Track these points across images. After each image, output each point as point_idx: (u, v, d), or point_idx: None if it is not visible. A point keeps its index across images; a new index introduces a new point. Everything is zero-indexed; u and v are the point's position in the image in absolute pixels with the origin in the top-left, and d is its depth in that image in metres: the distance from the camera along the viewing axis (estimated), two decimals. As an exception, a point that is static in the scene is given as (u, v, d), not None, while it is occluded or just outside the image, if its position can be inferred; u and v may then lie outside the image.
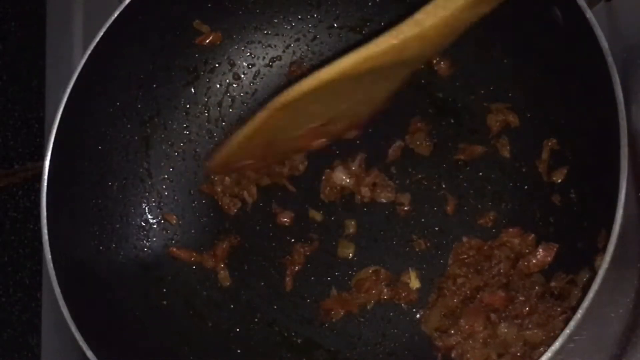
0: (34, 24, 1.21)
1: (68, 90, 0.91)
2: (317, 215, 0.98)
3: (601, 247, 0.75)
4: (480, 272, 0.87)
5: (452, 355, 0.86)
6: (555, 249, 0.85)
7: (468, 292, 0.87)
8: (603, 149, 0.79)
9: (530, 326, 0.81)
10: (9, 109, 1.21)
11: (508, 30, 0.92)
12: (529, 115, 0.92)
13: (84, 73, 0.92)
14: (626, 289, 0.88)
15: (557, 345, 0.73)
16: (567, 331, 0.73)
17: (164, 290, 0.97)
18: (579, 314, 0.73)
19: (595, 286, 0.73)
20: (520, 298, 0.83)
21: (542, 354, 0.78)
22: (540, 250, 0.86)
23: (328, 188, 0.97)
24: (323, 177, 0.98)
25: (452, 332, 0.86)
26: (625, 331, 0.87)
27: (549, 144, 0.90)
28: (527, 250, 0.87)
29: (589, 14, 0.79)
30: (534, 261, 0.86)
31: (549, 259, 0.86)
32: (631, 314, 0.87)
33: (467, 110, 0.97)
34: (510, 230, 0.89)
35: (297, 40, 1.04)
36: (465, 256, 0.90)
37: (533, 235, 0.88)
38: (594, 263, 0.76)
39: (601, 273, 0.73)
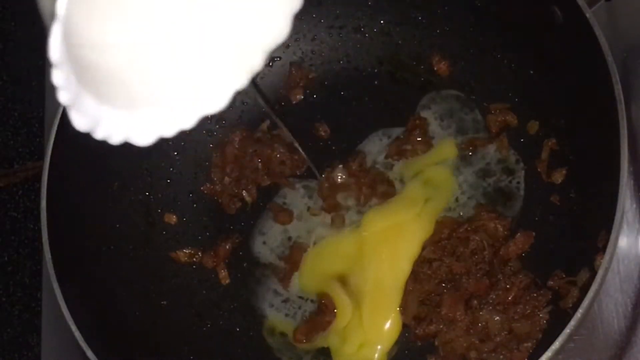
0: (34, 24, 1.20)
1: (68, 90, 0.91)
2: (316, 214, 0.98)
3: (601, 247, 0.75)
4: (460, 259, 0.88)
5: (436, 343, 0.86)
6: (532, 237, 0.87)
7: (443, 275, 0.88)
8: (603, 149, 0.79)
9: (516, 317, 0.82)
10: (9, 109, 1.21)
11: (508, 30, 0.92)
12: (528, 115, 0.92)
13: (84, 73, 0.92)
14: (626, 289, 0.88)
15: (557, 345, 0.73)
16: (567, 331, 0.73)
17: (164, 290, 0.97)
18: (579, 314, 0.73)
19: (595, 286, 0.73)
20: (502, 284, 0.84)
21: (529, 348, 0.79)
22: (519, 235, 0.87)
23: (327, 187, 0.97)
24: (323, 176, 0.98)
25: (432, 319, 0.86)
26: (625, 331, 0.87)
27: (549, 144, 0.90)
28: (502, 235, 0.88)
29: (588, 14, 0.79)
30: (512, 247, 0.87)
31: (527, 245, 0.87)
32: (631, 314, 0.87)
33: (467, 110, 0.97)
34: (485, 214, 0.90)
35: (297, 40, 1.04)
36: (438, 237, 0.90)
37: (509, 219, 0.89)
38: (594, 263, 0.76)
39: (601, 273, 0.73)
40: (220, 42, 0.47)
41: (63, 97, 0.51)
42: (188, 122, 0.50)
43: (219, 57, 0.47)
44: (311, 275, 0.94)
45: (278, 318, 0.95)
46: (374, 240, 0.92)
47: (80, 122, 0.51)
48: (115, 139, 0.51)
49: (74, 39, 0.48)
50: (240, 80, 0.48)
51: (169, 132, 0.51)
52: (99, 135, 0.51)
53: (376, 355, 0.88)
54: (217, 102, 0.49)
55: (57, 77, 0.51)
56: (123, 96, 0.49)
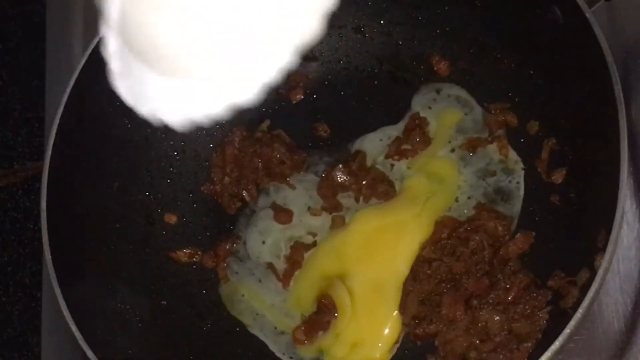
0: (34, 24, 1.21)
1: (68, 90, 0.91)
2: (316, 214, 0.98)
3: (601, 247, 0.75)
4: (460, 259, 0.88)
5: (436, 343, 0.86)
6: (532, 237, 0.87)
7: (443, 275, 0.88)
8: (603, 149, 0.79)
9: (516, 317, 0.82)
10: (9, 108, 1.21)
11: (508, 30, 0.92)
12: (528, 115, 0.92)
13: (84, 73, 0.92)
14: (626, 289, 0.88)
15: (557, 345, 0.73)
16: (567, 331, 0.73)
17: (164, 290, 0.97)
18: (579, 314, 0.73)
19: (595, 286, 0.73)
20: (502, 284, 0.84)
21: (529, 348, 0.79)
22: (519, 235, 0.87)
23: (327, 187, 0.97)
24: (323, 176, 0.98)
25: (432, 319, 0.86)
26: (625, 331, 0.87)
27: (549, 144, 0.90)
28: (502, 234, 0.88)
29: (588, 14, 0.79)
30: (512, 247, 0.87)
31: (527, 245, 0.87)
32: (631, 314, 0.87)
33: (467, 110, 0.97)
34: (485, 214, 0.90)
35: (297, 40, 1.04)
36: (438, 237, 0.91)
37: (509, 218, 0.89)
38: (594, 263, 0.76)
39: (601, 273, 0.73)
40: (257, 39, 0.50)
41: (115, 65, 0.53)
42: (216, 109, 0.54)
43: (254, 53, 0.50)
44: (309, 278, 0.94)
45: (278, 318, 0.95)
46: (371, 239, 0.92)
47: (126, 93, 0.53)
48: (155, 119, 0.53)
49: (129, 9, 0.50)
50: (270, 75, 0.51)
51: (201, 117, 0.54)
52: (142, 110, 0.53)
53: (378, 354, 0.89)
54: (246, 93, 0.53)
55: (112, 43, 0.52)
56: (161, 75, 0.52)
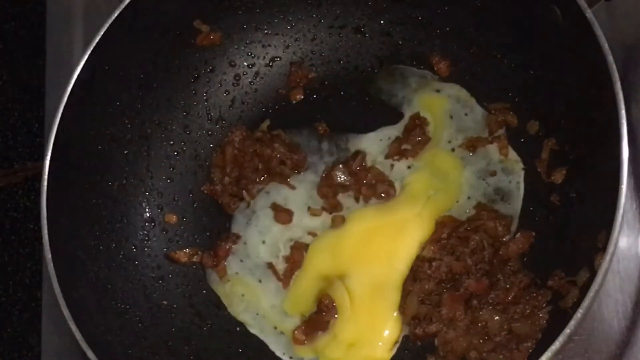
0: (34, 24, 1.21)
1: (68, 90, 0.91)
2: (316, 214, 0.98)
3: (601, 247, 0.75)
4: (460, 259, 0.88)
5: (436, 343, 0.86)
6: (532, 237, 0.87)
7: (444, 275, 0.88)
8: (603, 149, 0.79)
9: (515, 317, 0.82)
10: (9, 109, 1.21)
11: (508, 30, 0.92)
12: (528, 115, 0.92)
13: (84, 73, 0.92)
14: (626, 289, 0.88)
15: (557, 345, 0.73)
16: (567, 331, 0.73)
17: (164, 290, 0.97)
18: (579, 314, 0.73)
19: (595, 286, 0.73)
20: (502, 284, 0.84)
21: (529, 348, 0.79)
22: (519, 235, 0.88)
23: (327, 187, 0.97)
24: (323, 176, 0.98)
25: (432, 319, 0.86)
26: (625, 331, 0.87)
27: (549, 144, 0.90)
28: (502, 234, 0.88)
29: (588, 14, 0.79)
30: (512, 247, 0.87)
31: (527, 245, 0.87)
32: (631, 314, 0.87)
33: (467, 110, 0.97)
34: (485, 214, 0.90)
35: (297, 40, 1.04)
36: (438, 237, 0.91)
37: (509, 218, 0.90)
38: (594, 263, 0.76)
39: (601, 273, 0.73)
40: None
41: None
42: None
43: None
44: (308, 277, 0.94)
45: (278, 318, 0.95)
46: (370, 239, 0.92)
47: None
48: None
49: None
50: None
51: None
52: None
53: (377, 354, 0.89)
54: None
55: None
56: None
